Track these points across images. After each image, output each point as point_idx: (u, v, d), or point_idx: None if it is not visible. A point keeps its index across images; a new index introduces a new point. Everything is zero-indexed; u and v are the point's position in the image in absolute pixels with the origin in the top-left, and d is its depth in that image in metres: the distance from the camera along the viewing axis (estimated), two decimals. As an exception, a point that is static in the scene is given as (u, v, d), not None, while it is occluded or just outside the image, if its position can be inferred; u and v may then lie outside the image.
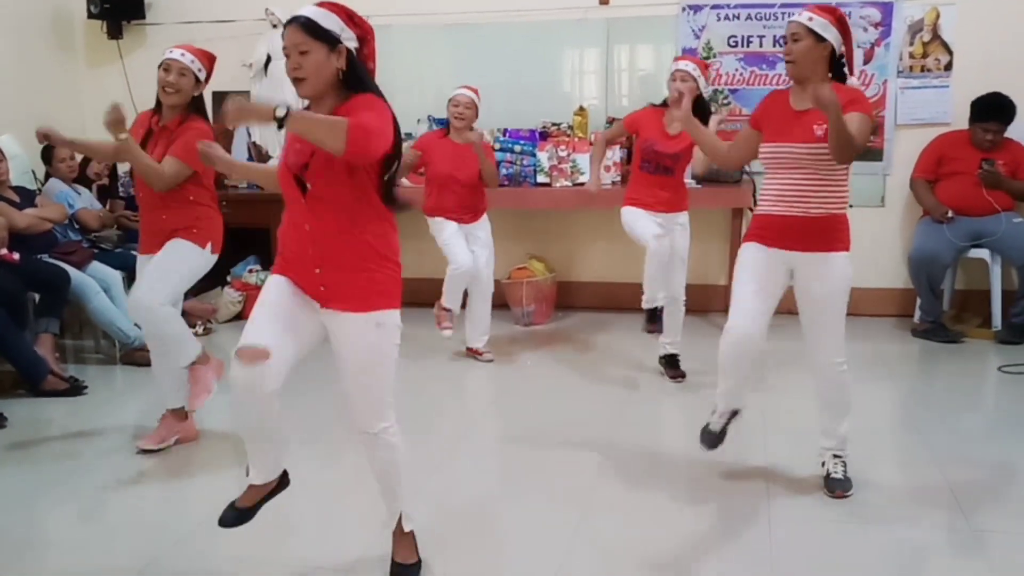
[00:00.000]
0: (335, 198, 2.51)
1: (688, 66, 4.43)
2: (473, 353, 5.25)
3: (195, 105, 3.75)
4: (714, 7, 6.03)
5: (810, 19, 3.18)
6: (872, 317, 6.05)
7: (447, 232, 5.09)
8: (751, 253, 3.33)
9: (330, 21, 2.52)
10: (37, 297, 5.00)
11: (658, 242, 4.46)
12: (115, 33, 6.76)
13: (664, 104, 4.48)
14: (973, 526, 3.11)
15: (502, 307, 6.13)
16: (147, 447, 3.86)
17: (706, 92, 4.54)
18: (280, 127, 2.34)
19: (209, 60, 3.76)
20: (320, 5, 2.56)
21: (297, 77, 2.49)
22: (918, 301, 5.71)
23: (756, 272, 3.30)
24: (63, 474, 3.74)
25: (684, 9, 6.08)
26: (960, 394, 4.70)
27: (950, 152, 5.67)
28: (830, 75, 3.22)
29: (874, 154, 5.97)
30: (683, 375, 4.77)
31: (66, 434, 4.30)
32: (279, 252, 2.68)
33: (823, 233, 3.22)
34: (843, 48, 3.23)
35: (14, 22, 6.36)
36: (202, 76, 3.72)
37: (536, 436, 4.08)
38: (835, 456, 3.43)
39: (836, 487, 3.36)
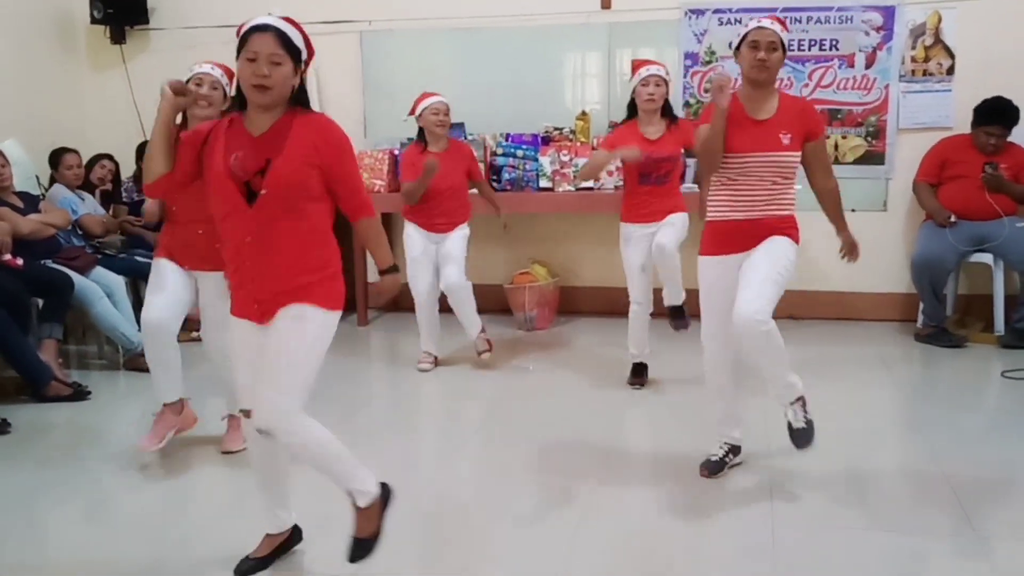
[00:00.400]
0: (287, 205, 2.56)
1: (660, 71, 4.47)
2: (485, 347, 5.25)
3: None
4: (716, 11, 6.04)
5: (781, 30, 3.31)
6: (875, 322, 6.05)
7: (411, 253, 5.11)
8: (707, 273, 3.45)
9: (299, 40, 2.61)
10: (41, 302, 5.00)
11: (640, 308, 4.65)
12: (118, 38, 6.78)
13: (629, 118, 4.57)
14: (977, 530, 3.11)
15: (504, 312, 6.13)
16: (150, 448, 3.82)
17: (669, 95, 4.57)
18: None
19: (231, 75, 3.76)
20: (288, 21, 2.61)
21: (264, 85, 2.52)
22: (921, 306, 5.71)
23: (715, 295, 3.42)
24: (66, 478, 3.74)
25: (686, 13, 6.09)
26: (963, 399, 4.70)
27: (953, 156, 5.66)
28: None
29: (876, 158, 5.97)
30: (686, 325, 4.78)
31: (69, 439, 4.30)
32: (231, 292, 2.75)
33: (772, 230, 3.36)
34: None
35: (17, 27, 6.38)
36: (229, 91, 3.74)
37: (538, 439, 4.08)
38: (791, 403, 3.43)
39: (801, 437, 3.43)
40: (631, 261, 4.64)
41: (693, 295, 4.79)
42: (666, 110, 4.52)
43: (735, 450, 3.65)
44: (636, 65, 4.55)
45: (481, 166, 5.81)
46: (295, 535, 2.99)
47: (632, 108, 4.56)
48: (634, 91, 4.51)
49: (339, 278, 2.71)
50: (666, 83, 4.46)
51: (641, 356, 4.79)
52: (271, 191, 2.54)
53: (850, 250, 3.53)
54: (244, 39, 2.58)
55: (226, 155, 2.59)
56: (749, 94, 3.35)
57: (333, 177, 2.62)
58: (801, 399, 3.43)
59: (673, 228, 4.55)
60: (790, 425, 3.44)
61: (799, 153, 3.34)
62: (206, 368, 3.96)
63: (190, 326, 4.30)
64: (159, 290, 3.75)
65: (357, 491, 2.72)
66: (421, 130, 5.06)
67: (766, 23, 3.30)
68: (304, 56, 2.62)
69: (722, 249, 3.40)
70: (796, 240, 3.40)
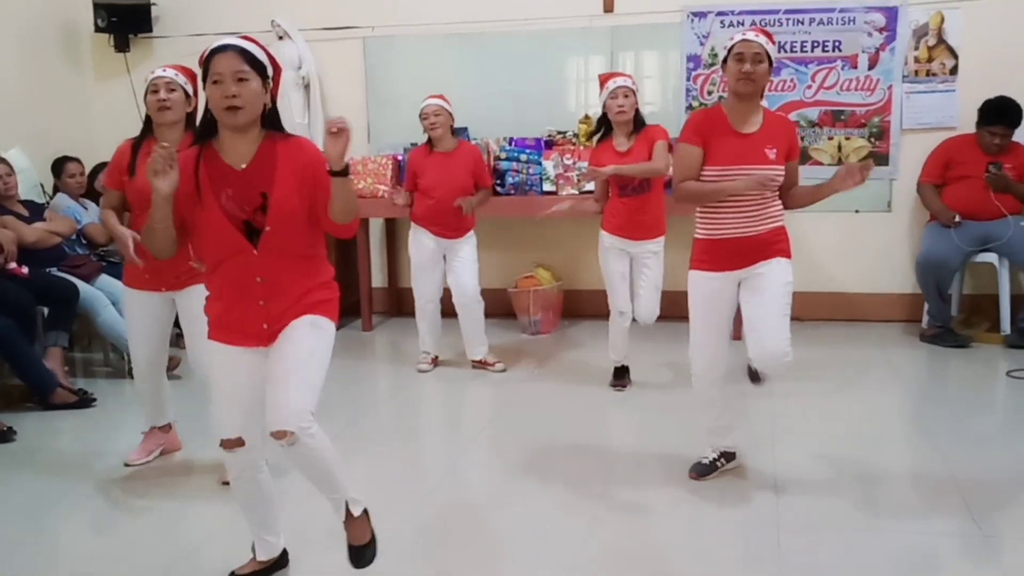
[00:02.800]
0: (293, 238, 2.53)
1: (628, 82, 4.49)
2: (480, 365, 5.25)
3: (190, 123, 3.67)
4: (719, 14, 6.04)
5: (767, 42, 3.26)
6: (880, 322, 6.04)
7: (417, 258, 5.11)
8: (701, 287, 3.43)
9: (262, 55, 2.54)
10: (46, 311, 5.01)
11: (623, 317, 4.69)
12: (122, 46, 6.80)
13: (603, 136, 4.65)
14: (984, 531, 3.10)
15: (509, 316, 6.13)
16: (137, 460, 3.94)
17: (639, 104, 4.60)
18: (339, 174, 2.43)
19: (191, 76, 3.68)
20: (246, 39, 2.55)
21: (234, 106, 2.43)
22: (926, 306, 5.70)
23: (713, 305, 3.41)
24: (72, 486, 3.75)
25: (688, 16, 6.09)
26: (969, 399, 4.69)
27: (957, 156, 5.66)
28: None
29: (880, 159, 5.96)
30: (625, 385, 4.85)
31: (75, 447, 4.32)
32: (215, 318, 2.63)
33: (767, 245, 3.34)
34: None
35: (22, 36, 6.40)
36: (190, 90, 3.65)
37: (544, 443, 4.08)
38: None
39: (693, 468, 3.58)
40: (611, 269, 4.69)
41: (668, 300, 4.82)
42: (636, 119, 4.54)
43: (728, 456, 3.64)
44: (603, 79, 4.58)
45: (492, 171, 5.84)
46: (282, 558, 2.96)
47: (605, 123, 4.60)
48: (604, 105, 4.54)
49: (338, 295, 2.71)
50: (634, 93, 4.49)
51: (623, 360, 4.85)
52: (273, 230, 2.49)
53: (848, 172, 3.18)
54: (207, 64, 2.47)
55: (214, 195, 2.50)
56: (734, 106, 3.33)
57: (321, 194, 2.52)
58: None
59: (649, 296, 4.65)
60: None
61: (783, 168, 3.31)
62: (196, 382, 3.94)
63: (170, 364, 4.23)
64: (140, 332, 3.77)
65: (353, 499, 2.71)
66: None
67: (751, 35, 3.26)
68: (270, 73, 2.54)
69: (716, 266, 3.38)
70: (789, 255, 3.40)
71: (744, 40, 3.26)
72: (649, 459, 3.92)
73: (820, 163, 6.02)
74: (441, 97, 5.03)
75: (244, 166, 2.52)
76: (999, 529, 3.14)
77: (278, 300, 2.56)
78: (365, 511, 2.75)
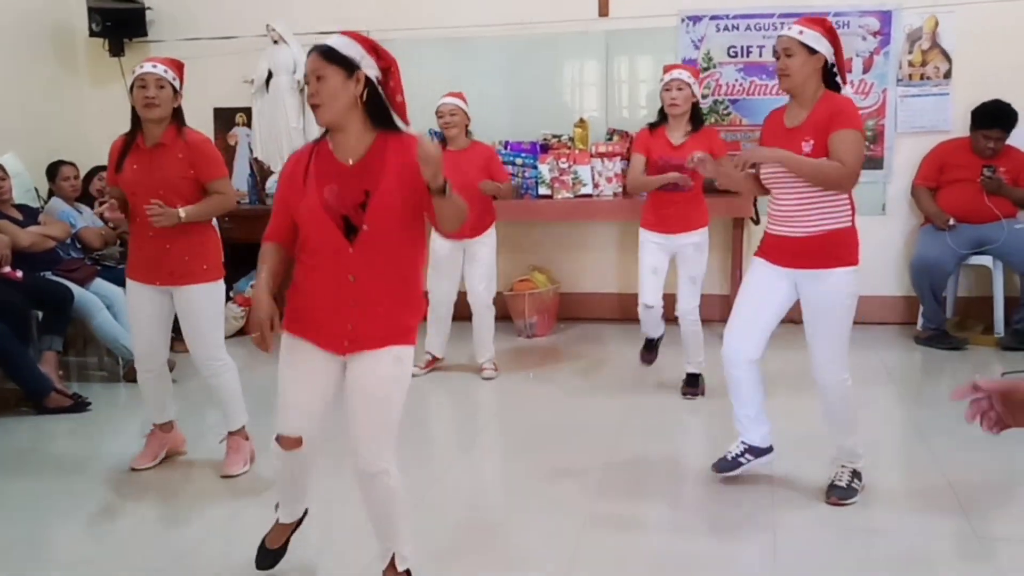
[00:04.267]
0: (390, 239, 2.47)
1: (683, 74, 4.44)
2: (478, 369, 5.25)
3: (177, 116, 3.68)
4: (713, 18, 6.05)
5: (800, 32, 3.18)
6: (875, 325, 6.04)
7: (433, 260, 5.06)
8: (754, 270, 3.41)
9: (350, 48, 2.48)
10: (41, 315, 5.01)
11: (646, 311, 4.60)
12: (117, 51, 6.78)
13: (658, 123, 4.54)
14: (979, 533, 3.10)
15: (504, 319, 6.13)
16: (141, 466, 3.90)
17: (698, 98, 4.53)
18: (441, 194, 2.38)
19: (179, 68, 3.68)
20: (343, 34, 2.54)
21: (313, 104, 2.46)
22: (921, 308, 5.71)
23: (755, 290, 3.38)
24: (67, 490, 3.74)
25: (683, 20, 6.10)
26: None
27: (952, 159, 5.67)
28: (823, 86, 3.24)
29: (875, 162, 5.98)
30: (694, 393, 4.70)
31: (69, 451, 4.30)
32: (296, 310, 2.57)
33: (820, 250, 3.22)
34: (835, 58, 3.23)
35: (16, 40, 6.39)
36: (177, 85, 3.64)
37: (539, 447, 4.08)
38: (842, 465, 3.42)
39: (831, 492, 3.36)
40: (644, 262, 4.60)
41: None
42: (694, 115, 4.48)
43: (756, 451, 3.52)
44: (665, 70, 4.56)
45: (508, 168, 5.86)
46: (303, 516, 2.96)
47: (662, 113, 4.54)
48: (661, 96, 4.51)
49: (424, 312, 2.65)
50: (690, 87, 4.41)
51: (651, 333, 4.70)
52: (372, 229, 2.45)
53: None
54: None
55: (318, 187, 2.48)
56: (790, 103, 3.31)
57: (422, 196, 2.45)
58: (849, 468, 3.40)
59: (686, 290, 4.55)
60: (831, 481, 3.41)
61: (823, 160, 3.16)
62: (197, 382, 3.94)
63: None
64: (138, 322, 3.78)
65: (402, 555, 2.69)
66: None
67: (785, 30, 3.24)
68: (362, 64, 2.47)
69: (770, 257, 3.34)
70: (850, 262, 3.22)
71: (780, 36, 3.24)
72: (647, 461, 3.92)
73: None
74: (459, 96, 5.02)
75: (352, 163, 2.50)
76: (993, 530, 3.14)
77: (369, 307, 2.49)
78: (408, 572, 2.72)
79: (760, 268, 3.38)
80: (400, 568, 2.69)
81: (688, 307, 4.59)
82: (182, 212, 3.53)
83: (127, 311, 3.89)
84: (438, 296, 5.13)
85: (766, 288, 3.35)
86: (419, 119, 6.02)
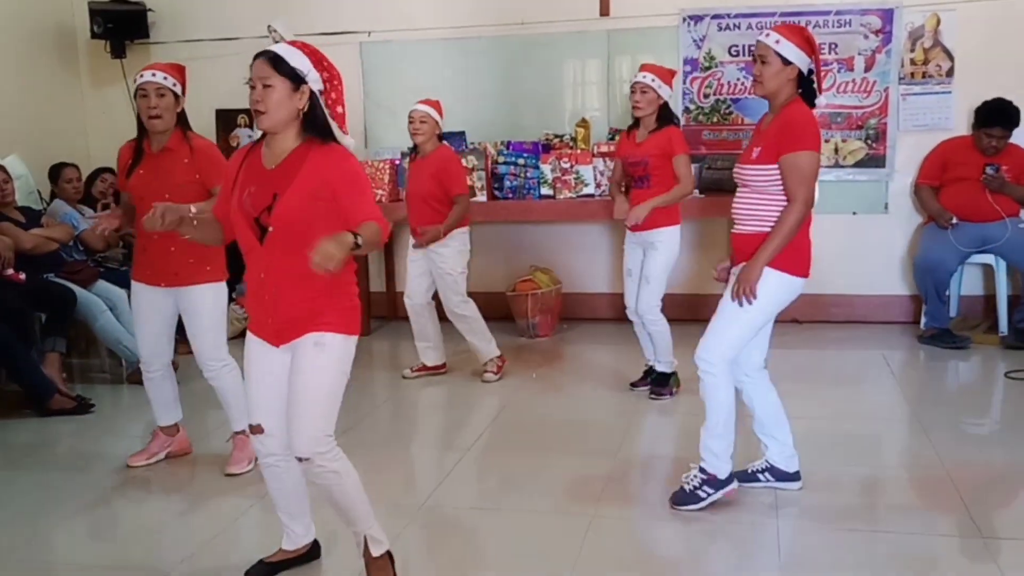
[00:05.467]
0: (295, 240, 2.52)
1: (645, 77, 4.44)
2: (424, 370, 5.23)
3: (182, 121, 3.70)
4: (714, 17, 6.04)
5: (777, 42, 3.16)
6: (878, 324, 6.04)
7: (409, 259, 5.11)
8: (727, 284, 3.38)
9: (298, 60, 2.56)
10: (44, 317, 5.01)
11: (629, 313, 4.68)
12: (118, 52, 6.78)
13: (633, 124, 4.59)
14: (983, 532, 3.10)
15: (507, 319, 6.13)
16: (136, 463, 3.93)
17: (668, 98, 4.53)
18: (356, 249, 2.41)
19: (180, 73, 3.69)
20: (292, 43, 2.62)
21: (257, 110, 2.55)
22: (924, 307, 5.71)
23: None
24: (70, 493, 3.74)
25: (684, 19, 6.09)
26: (967, 400, 4.69)
27: (954, 158, 5.67)
28: (799, 93, 3.23)
29: (877, 161, 5.97)
30: (659, 394, 4.66)
31: (73, 453, 4.31)
32: (247, 308, 2.81)
33: (750, 246, 3.20)
34: (811, 67, 3.21)
35: (18, 43, 6.40)
36: (179, 90, 3.66)
37: (542, 447, 4.08)
38: (700, 468, 3.35)
39: (673, 496, 3.35)
40: (624, 266, 4.71)
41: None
42: (662, 114, 4.50)
43: (774, 471, 3.49)
44: (641, 69, 4.56)
45: (486, 176, 5.83)
46: (313, 550, 2.99)
47: None
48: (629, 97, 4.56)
49: (355, 303, 2.69)
50: (653, 89, 4.43)
51: (650, 360, 4.74)
52: (277, 231, 2.56)
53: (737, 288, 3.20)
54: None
55: (240, 190, 2.62)
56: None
57: (342, 206, 2.55)
58: (712, 478, 3.32)
59: (655, 251, 4.52)
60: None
61: (769, 167, 3.14)
62: (202, 383, 3.94)
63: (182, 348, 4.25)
64: (143, 323, 3.81)
65: (373, 538, 2.73)
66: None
67: (763, 36, 3.21)
68: (307, 78, 2.56)
69: (734, 259, 3.34)
70: (779, 265, 3.14)
71: (758, 41, 3.23)
72: (648, 461, 3.92)
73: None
74: (432, 104, 4.94)
75: (272, 167, 2.60)
76: (997, 529, 3.14)
77: (281, 301, 2.60)
78: (388, 554, 2.76)
79: (729, 280, 3.36)
80: (375, 552, 2.73)
81: (643, 307, 4.57)
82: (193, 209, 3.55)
83: (131, 313, 3.91)
84: (409, 299, 5.13)
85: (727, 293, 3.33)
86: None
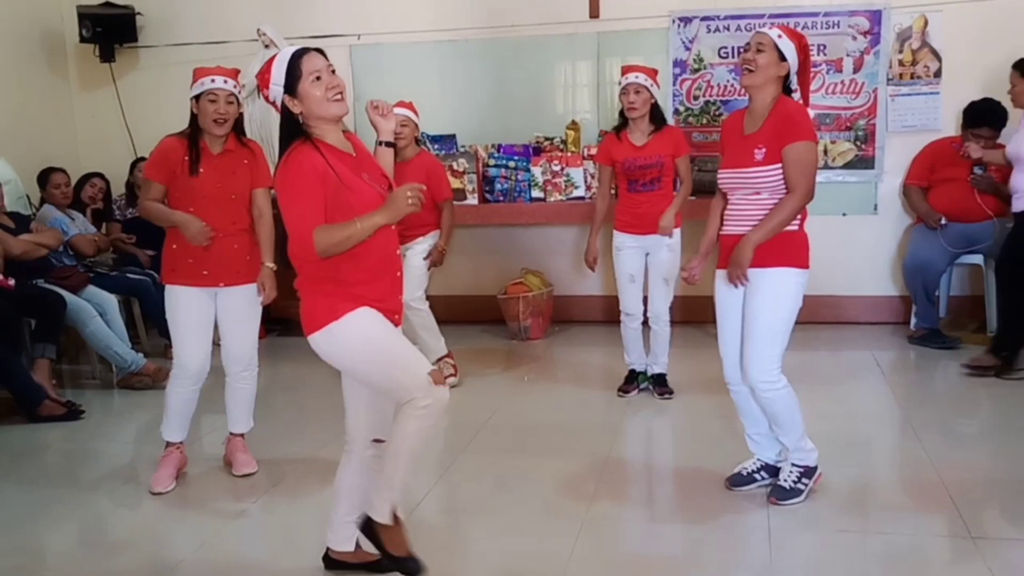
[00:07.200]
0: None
1: (639, 78, 4.44)
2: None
3: (237, 125, 3.73)
4: (704, 18, 6.06)
5: (779, 36, 3.20)
6: (868, 324, 6.06)
7: None
8: (716, 288, 3.40)
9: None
10: (33, 323, 4.99)
11: (630, 319, 4.68)
12: (107, 56, 6.76)
13: (621, 127, 4.58)
14: (973, 532, 3.11)
15: (498, 322, 6.13)
16: (165, 489, 3.70)
17: (656, 99, 4.54)
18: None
19: (236, 77, 3.74)
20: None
21: (336, 98, 2.77)
22: (914, 308, 5.73)
23: (720, 309, 3.40)
24: (61, 499, 3.72)
25: (674, 21, 6.11)
26: (957, 400, 4.70)
27: (942, 158, 5.68)
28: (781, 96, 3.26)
29: (866, 162, 6.00)
30: (670, 392, 4.72)
31: (63, 459, 4.29)
32: (361, 283, 2.68)
33: (761, 248, 3.19)
34: (797, 74, 3.25)
35: (6, 47, 6.38)
36: (241, 96, 3.74)
37: (534, 449, 4.08)
38: (793, 464, 3.40)
39: (773, 492, 3.38)
40: (621, 271, 4.66)
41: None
42: (654, 115, 4.53)
43: (768, 469, 3.50)
44: (623, 71, 4.56)
45: (467, 181, 5.82)
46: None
47: (623, 115, 4.58)
48: (620, 99, 4.55)
49: None
50: (647, 89, 4.44)
51: (635, 364, 4.79)
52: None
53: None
54: (297, 65, 2.70)
55: (357, 176, 2.75)
56: (749, 105, 3.32)
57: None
58: (807, 469, 3.38)
59: (658, 291, 4.57)
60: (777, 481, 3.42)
61: (774, 167, 3.17)
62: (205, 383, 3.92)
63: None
64: (192, 331, 3.67)
65: (373, 507, 2.68)
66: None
67: (766, 28, 3.26)
68: None
69: (723, 263, 3.34)
70: (792, 263, 3.21)
71: (758, 31, 3.25)
72: (640, 464, 3.92)
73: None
74: (408, 106, 4.90)
75: (355, 153, 2.87)
76: (987, 530, 3.15)
77: (399, 280, 2.83)
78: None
79: (718, 286, 3.38)
80: (388, 520, 2.67)
81: (661, 309, 4.62)
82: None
83: (170, 320, 3.70)
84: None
85: (726, 305, 3.36)
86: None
